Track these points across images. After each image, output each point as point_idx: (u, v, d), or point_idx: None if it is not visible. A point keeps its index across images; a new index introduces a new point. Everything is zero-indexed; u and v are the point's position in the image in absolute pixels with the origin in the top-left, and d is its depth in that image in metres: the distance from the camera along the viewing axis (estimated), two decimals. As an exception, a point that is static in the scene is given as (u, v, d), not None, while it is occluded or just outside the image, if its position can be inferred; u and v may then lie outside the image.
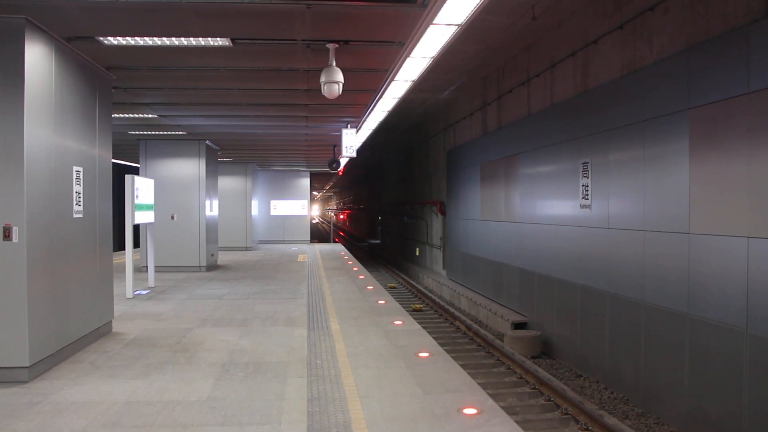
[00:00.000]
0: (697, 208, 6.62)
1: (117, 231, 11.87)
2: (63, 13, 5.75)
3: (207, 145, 14.51)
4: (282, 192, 25.68)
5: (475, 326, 12.11)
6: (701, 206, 6.55)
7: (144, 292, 10.63)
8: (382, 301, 9.63)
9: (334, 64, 7.02)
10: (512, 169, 12.45)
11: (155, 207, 11.43)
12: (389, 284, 19.68)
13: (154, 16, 5.93)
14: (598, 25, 8.89)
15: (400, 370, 5.62)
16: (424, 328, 7.85)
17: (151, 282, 11.38)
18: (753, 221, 5.80)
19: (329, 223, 55.48)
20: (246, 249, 21.29)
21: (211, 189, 15.18)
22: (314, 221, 72.52)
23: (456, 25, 5.88)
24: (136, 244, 13.84)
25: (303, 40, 6.72)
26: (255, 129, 13.71)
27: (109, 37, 6.49)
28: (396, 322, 7.86)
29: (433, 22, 5.76)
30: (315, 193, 66.98)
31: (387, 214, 33.84)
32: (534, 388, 8.46)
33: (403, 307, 9.45)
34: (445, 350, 6.67)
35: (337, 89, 7.13)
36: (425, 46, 6.61)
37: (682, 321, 6.89)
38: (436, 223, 20.07)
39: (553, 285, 10.45)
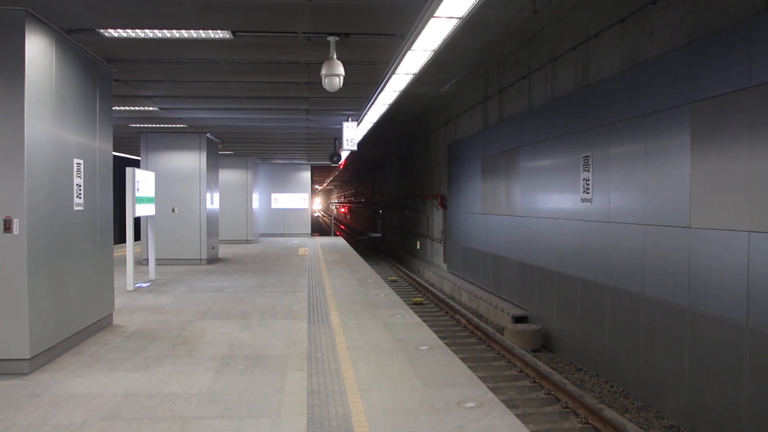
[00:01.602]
0: (698, 203, 6.61)
1: (118, 224, 11.88)
2: (63, 5, 5.73)
3: (208, 138, 14.50)
4: (283, 185, 25.68)
5: (475, 320, 12.13)
6: (702, 200, 6.54)
7: (144, 284, 10.65)
8: (383, 295, 9.64)
9: (335, 56, 7.00)
10: (513, 163, 12.43)
11: (156, 200, 11.43)
12: (390, 277, 19.70)
13: (154, 8, 5.91)
14: (600, 18, 8.85)
15: (400, 364, 5.63)
16: (424, 321, 7.86)
17: (151, 275, 11.39)
18: (754, 216, 5.80)
19: (330, 216, 55.42)
20: (247, 242, 21.30)
21: (212, 182, 15.17)
22: (315, 214, 72.18)
23: (457, 18, 5.85)
24: (137, 236, 13.86)
25: (304, 33, 6.70)
26: (256, 122, 13.69)
27: (109, 30, 6.47)
28: (396, 316, 7.87)
29: (434, 15, 5.74)
30: (317, 186, 66.64)
31: (388, 208, 33.85)
32: (534, 382, 8.48)
33: (404, 301, 9.45)
34: (446, 343, 6.68)
35: (338, 82, 7.12)
36: (426, 39, 6.58)
37: (682, 315, 6.89)
38: (437, 217, 20.06)
39: (553, 278, 10.46)
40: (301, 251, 18.30)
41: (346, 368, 5.48)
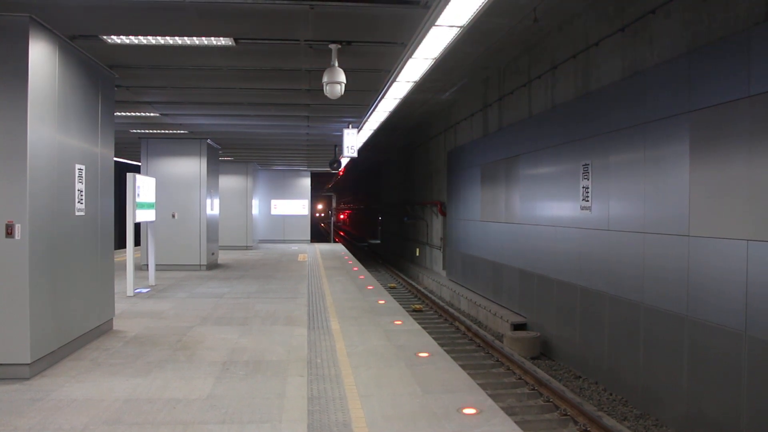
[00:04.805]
0: (697, 211, 6.64)
1: (118, 229, 11.89)
2: (67, 11, 5.78)
3: (208, 144, 14.53)
4: (283, 191, 25.71)
5: (474, 327, 12.14)
6: (701, 209, 6.57)
7: (144, 290, 10.65)
8: (382, 301, 9.65)
9: (336, 64, 7.05)
10: (513, 171, 12.47)
11: (156, 205, 11.45)
12: (389, 284, 19.70)
13: (157, 15, 5.95)
14: (600, 27, 8.91)
15: (399, 370, 5.64)
16: (423, 328, 7.87)
17: (151, 280, 11.40)
18: (752, 224, 5.82)
19: (328, 222, 55.38)
20: (246, 248, 21.31)
21: (212, 188, 15.19)
22: (320, 216, 71.53)
23: (458, 26, 5.90)
24: (137, 242, 13.86)
25: (306, 41, 6.75)
26: (256, 128, 13.74)
27: (112, 36, 6.52)
28: (396, 322, 7.88)
29: (436, 24, 5.79)
30: (328, 193, 66.06)
31: (387, 215, 33.87)
32: (533, 389, 8.48)
33: (403, 307, 9.47)
34: (445, 350, 6.69)
35: (339, 89, 7.16)
36: (427, 48, 6.63)
37: (681, 323, 6.91)
38: (437, 224, 20.08)
39: (552, 286, 10.47)
40: (300, 257, 18.31)
41: (346, 374, 5.49)
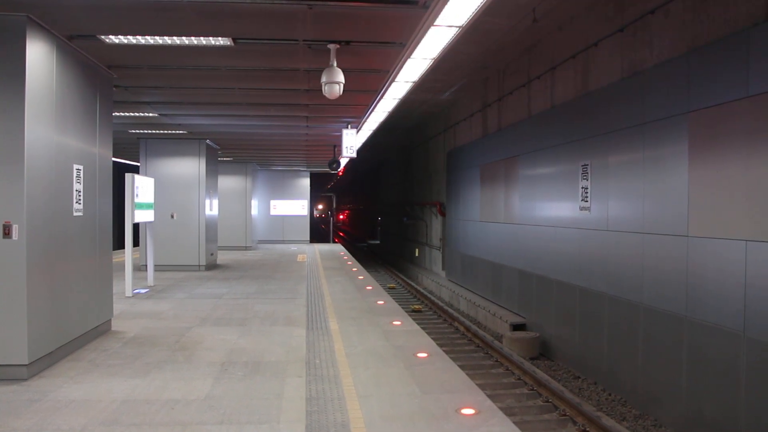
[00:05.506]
0: (695, 211, 6.63)
1: (117, 229, 11.88)
2: (65, 11, 5.76)
3: (207, 145, 14.52)
4: (282, 192, 25.70)
5: (473, 327, 12.12)
6: (700, 209, 6.57)
7: (143, 290, 10.64)
8: (381, 302, 9.64)
9: (335, 64, 7.04)
10: (512, 171, 12.46)
11: (155, 206, 11.43)
12: (388, 285, 19.69)
13: (156, 15, 5.94)
14: (599, 27, 8.90)
15: (398, 370, 5.63)
16: (422, 328, 7.86)
17: (150, 281, 11.38)
18: (751, 224, 5.82)
19: (328, 223, 55.34)
20: (245, 249, 21.29)
21: (211, 188, 15.18)
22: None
23: (457, 26, 5.89)
24: (136, 242, 13.85)
25: (304, 41, 6.73)
26: (255, 129, 13.73)
27: (110, 36, 6.51)
28: (395, 323, 7.87)
29: (434, 24, 5.78)
30: (328, 194, 65.56)
31: (386, 215, 33.87)
32: (532, 389, 8.47)
33: (402, 308, 9.45)
34: (444, 351, 6.68)
35: (337, 89, 7.14)
36: (426, 48, 6.62)
37: (680, 323, 6.90)
38: (436, 224, 20.08)
39: (551, 286, 10.46)
40: (299, 258, 18.29)
41: (344, 375, 5.48)
